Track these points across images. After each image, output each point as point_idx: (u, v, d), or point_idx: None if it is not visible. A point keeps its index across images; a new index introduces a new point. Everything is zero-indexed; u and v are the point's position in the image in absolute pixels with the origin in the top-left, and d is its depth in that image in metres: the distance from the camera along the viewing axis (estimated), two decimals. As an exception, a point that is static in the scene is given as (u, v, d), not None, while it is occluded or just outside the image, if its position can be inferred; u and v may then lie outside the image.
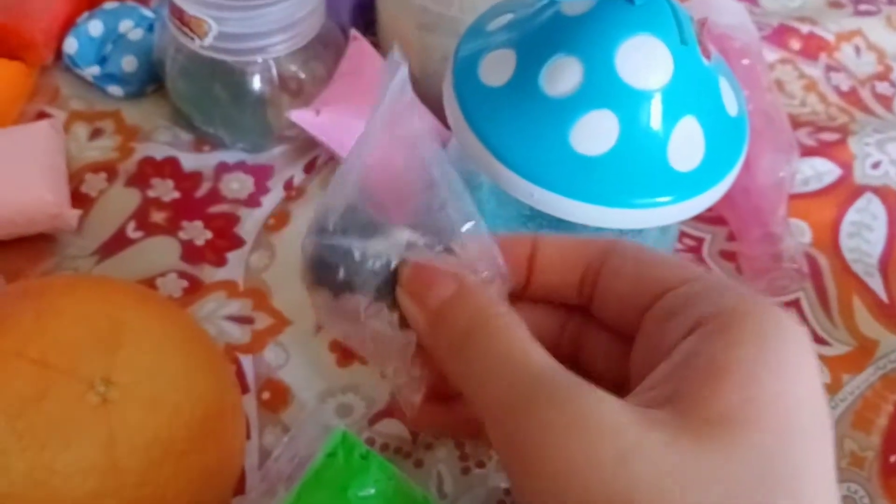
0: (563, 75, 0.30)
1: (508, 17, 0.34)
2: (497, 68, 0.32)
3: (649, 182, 0.31)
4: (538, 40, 0.31)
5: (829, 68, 0.53)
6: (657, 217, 0.31)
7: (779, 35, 0.53)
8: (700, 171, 0.31)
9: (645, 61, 0.30)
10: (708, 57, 0.32)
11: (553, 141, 0.31)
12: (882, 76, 0.53)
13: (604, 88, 0.30)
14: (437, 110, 0.42)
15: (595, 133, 0.30)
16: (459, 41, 0.35)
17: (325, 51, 0.43)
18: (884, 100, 0.52)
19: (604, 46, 0.30)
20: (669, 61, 0.30)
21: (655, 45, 0.30)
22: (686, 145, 0.31)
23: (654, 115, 0.30)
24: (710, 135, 0.31)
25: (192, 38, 0.38)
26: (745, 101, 0.35)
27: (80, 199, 0.40)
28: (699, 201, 0.32)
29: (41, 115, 0.43)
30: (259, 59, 0.39)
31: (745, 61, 0.46)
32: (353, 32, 0.42)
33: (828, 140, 0.48)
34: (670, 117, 0.31)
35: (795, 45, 0.53)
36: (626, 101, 0.30)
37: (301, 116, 0.39)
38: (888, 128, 0.49)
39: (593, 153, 0.30)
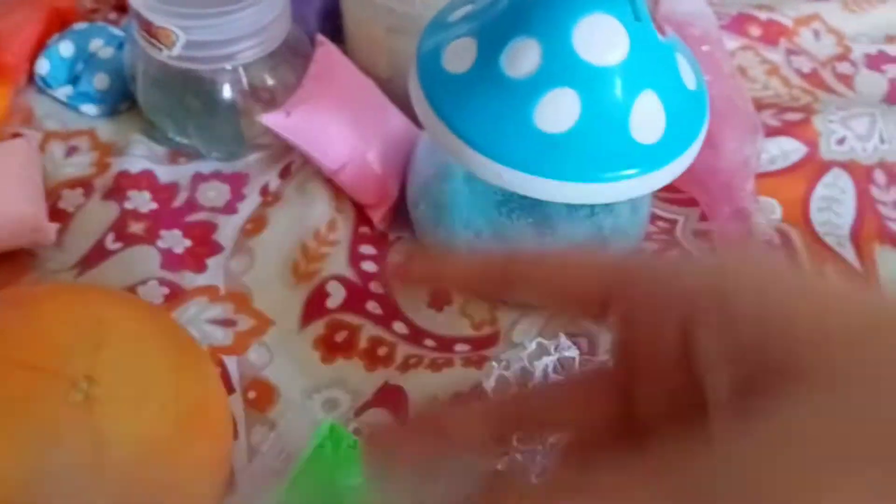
0: (522, 56, 0.31)
1: (468, 8, 0.35)
2: (459, 56, 0.33)
3: (614, 156, 0.32)
4: (497, 26, 0.32)
5: (790, 52, 0.54)
6: (625, 190, 0.32)
7: (738, 23, 0.55)
8: (663, 144, 0.32)
9: (601, 38, 0.31)
10: (663, 34, 0.33)
11: (517, 121, 0.31)
12: (842, 57, 0.54)
13: (563, 67, 0.31)
14: (407, 110, 0.43)
15: (557, 111, 0.31)
16: (422, 35, 0.36)
17: (293, 58, 0.43)
18: (845, 79, 0.53)
19: (560, 26, 0.31)
20: (625, 37, 0.31)
21: (610, 22, 0.31)
22: (647, 118, 0.32)
23: (614, 91, 0.31)
24: (671, 108, 0.32)
25: (161, 49, 0.39)
26: (707, 85, 0.36)
27: (58, 215, 0.41)
28: (664, 173, 0.32)
29: (16, 136, 0.43)
30: (228, 66, 0.40)
31: (705, 48, 0.47)
32: (320, 37, 0.43)
33: (792, 120, 0.49)
34: (630, 92, 0.31)
35: (755, 31, 0.54)
36: (586, 78, 0.31)
37: (272, 119, 0.39)
38: (851, 105, 0.50)
39: (557, 130, 0.31)
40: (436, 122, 0.33)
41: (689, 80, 0.34)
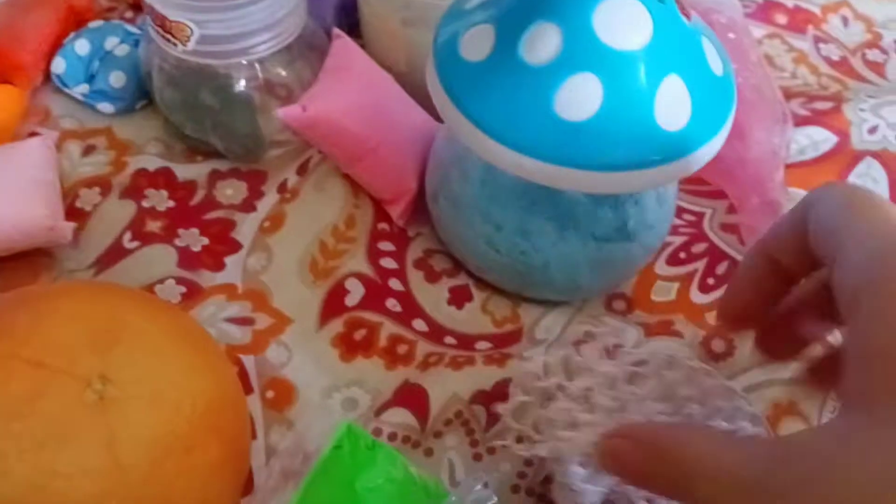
0: (542, 42, 0.30)
1: None
2: (477, 44, 0.32)
3: (638, 143, 0.30)
4: (515, 11, 0.31)
5: (818, 40, 0.52)
6: (650, 178, 0.31)
7: (764, 11, 0.53)
8: (688, 131, 0.31)
9: (623, 21, 0.30)
10: (688, 17, 0.32)
11: (538, 109, 0.30)
12: (871, 44, 0.52)
13: (584, 52, 0.30)
14: (426, 104, 0.43)
15: (579, 97, 0.30)
16: (439, 24, 0.35)
17: (310, 53, 0.43)
18: (875, 66, 0.51)
19: (580, 9, 0.30)
20: (648, 20, 0.30)
21: (633, 5, 0.30)
22: (672, 105, 0.31)
23: (638, 76, 0.30)
24: (696, 93, 0.31)
25: (176, 45, 0.38)
26: (734, 73, 0.35)
27: (75, 214, 0.41)
28: (691, 160, 0.31)
29: (33, 136, 0.43)
30: (243, 60, 0.39)
31: (731, 35, 0.46)
32: (336, 31, 0.42)
33: (822, 109, 0.48)
34: (654, 77, 0.30)
35: (781, 19, 0.53)
36: (608, 63, 0.30)
37: (289, 114, 0.39)
38: (882, 93, 0.49)
39: (579, 118, 0.30)
40: (453, 111, 0.32)
41: (716, 65, 0.33)
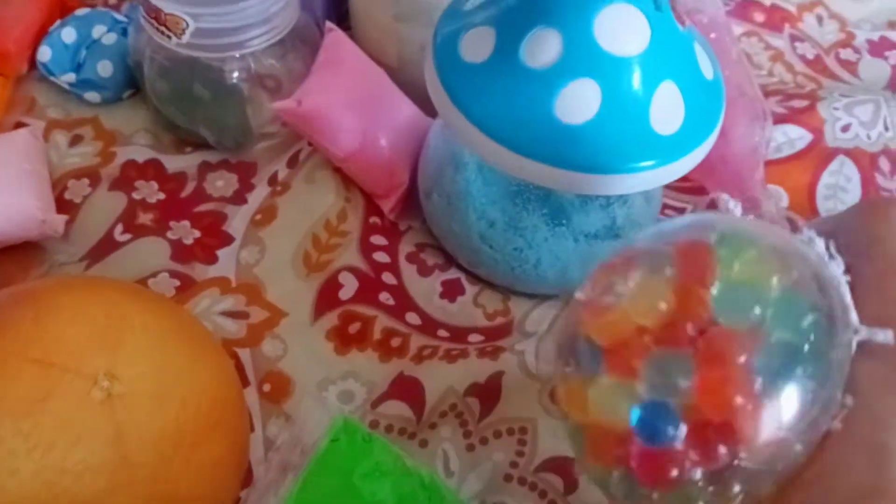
0: (543, 47, 0.31)
1: None
2: (477, 45, 0.33)
3: (633, 147, 0.31)
4: (516, 15, 0.32)
5: (794, 38, 0.54)
6: (643, 181, 0.32)
7: (742, 9, 0.54)
8: (681, 134, 0.32)
9: (623, 28, 0.31)
10: (682, 24, 0.33)
11: (538, 112, 0.31)
12: (845, 43, 0.54)
13: (584, 57, 0.31)
14: (417, 99, 0.43)
15: (578, 102, 0.31)
16: (437, 23, 0.35)
17: (302, 46, 0.43)
18: (849, 65, 0.53)
19: (581, 16, 0.31)
20: (646, 27, 0.31)
21: (632, 12, 0.31)
22: (667, 109, 0.32)
23: (635, 81, 0.31)
24: (689, 98, 0.32)
25: (170, 37, 0.38)
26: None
27: (64, 206, 0.40)
28: (683, 163, 0.32)
29: (19, 126, 0.42)
30: (237, 54, 0.39)
31: (713, 35, 0.47)
32: (329, 25, 0.42)
33: (797, 107, 0.49)
34: (650, 82, 0.31)
35: (759, 17, 0.54)
36: (607, 69, 0.31)
37: (283, 108, 0.39)
38: (855, 91, 0.50)
39: (577, 121, 0.31)
40: (453, 111, 0.33)
41: (707, 69, 0.34)
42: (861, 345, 0.22)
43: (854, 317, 0.22)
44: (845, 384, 0.21)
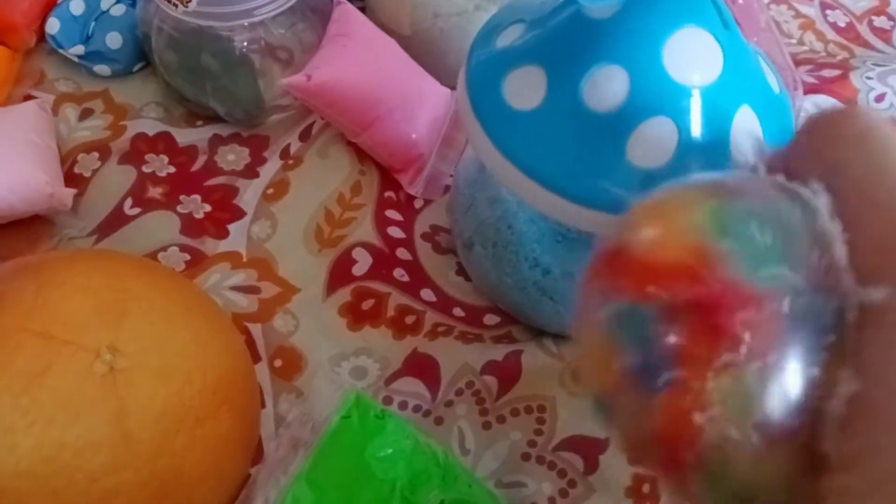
0: (607, 87, 0.27)
1: (520, 28, 0.30)
2: (525, 89, 0.29)
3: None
4: (568, 52, 0.28)
5: (825, 6, 0.52)
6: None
7: (771, -25, 0.53)
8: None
9: (694, 55, 0.27)
10: (745, 35, 0.30)
11: (609, 160, 0.27)
12: (878, 11, 0.52)
13: (655, 93, 0.27)
14: (431, 68, 0.42)
15: (654, 143, 0.27)
16: (469, 56, 0.31)
17: (312, 15, 0.42)
18: (882, 33, 0.51)
19: (648, 47, 0.27)
20: (718, 50, 0.27)
21: (702, 36, 0.27)
22: (746, 136, 0.29)
23: (713, 112, 0.28)
24: (765, 120, 0.29)
25: (177, 5, 0.37)
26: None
27: (74, 180, 0.40)
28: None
29: (28, 99, 0.42)
30: (245, 22, 0.38)
31: (741, 0, 0.45)
32: (338, -5, 0.41)
33: (829, 76, 0.47)
34: (728, 110, 0.28)
35: (789, -16, 0.52)
36: (682, 103, 0.27)
37: (293, 83, 0.38)
38: (889, 60, 0.48)
39: (655, 165, 0.27)
40: (505, 165, 0.29)
41: (774, 83, 0.31)
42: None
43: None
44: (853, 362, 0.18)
